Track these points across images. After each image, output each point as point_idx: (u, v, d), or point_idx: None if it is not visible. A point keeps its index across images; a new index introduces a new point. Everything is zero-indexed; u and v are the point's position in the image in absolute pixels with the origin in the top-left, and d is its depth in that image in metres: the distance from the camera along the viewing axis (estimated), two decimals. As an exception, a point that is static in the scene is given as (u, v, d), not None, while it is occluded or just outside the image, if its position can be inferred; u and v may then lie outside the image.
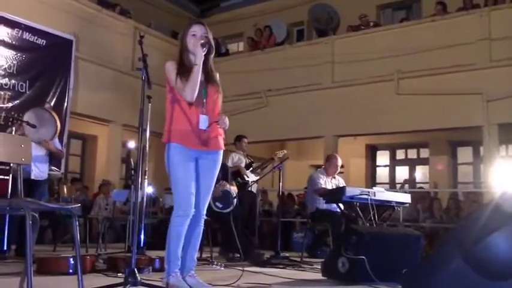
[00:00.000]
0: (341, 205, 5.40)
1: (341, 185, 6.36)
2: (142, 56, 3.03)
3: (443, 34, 8.96)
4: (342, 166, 6.95)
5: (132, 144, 7.53)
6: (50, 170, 6.49)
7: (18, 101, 7.76)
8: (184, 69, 3.16)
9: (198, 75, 3.13)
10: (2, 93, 7.63)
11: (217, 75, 3.34)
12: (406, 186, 10.74)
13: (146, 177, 5.65)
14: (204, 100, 3.23)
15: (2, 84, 7.64)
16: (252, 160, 7.25)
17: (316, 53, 10.22)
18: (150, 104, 4.78)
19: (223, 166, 6.16)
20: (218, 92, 3.32)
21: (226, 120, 3.22)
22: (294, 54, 10.52)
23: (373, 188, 5.47)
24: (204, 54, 3.16)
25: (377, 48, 9.47)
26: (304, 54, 10.33)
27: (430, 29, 9.24)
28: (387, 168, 12.55)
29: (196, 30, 3.26)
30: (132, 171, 6.41)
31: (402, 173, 12.31)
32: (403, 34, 9.53)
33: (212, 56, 3.29)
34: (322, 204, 6.08)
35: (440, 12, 9.56)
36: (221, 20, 13.68)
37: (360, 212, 5.06)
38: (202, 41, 3.16)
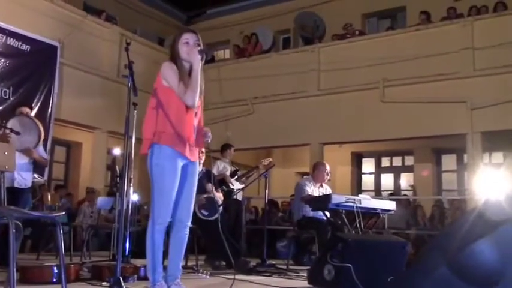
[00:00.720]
0: (327, 213, 5.40)
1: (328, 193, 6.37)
2: (129, 63, 3.03)
3: (427, 43, 9.07)
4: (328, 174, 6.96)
5: (117, 151, 7.49)
6: (33, 177, 6.42)
7: (1, 107, 7.68)
8: (181, 76, 3.16)
9: (198, 80, 3.14)
10: (-15, 99, 7.55)
11: (203, 86, 3.34)
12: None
13: (132, 184, 5.61)
14: (196, 109, 3.24)
15: (-15, 90, 7.56)
16: (237, 168, 7.26)
17: (302, 61, 10.27)
18: (135, 111, 4.76)
19: (209, 173, 6.16)
20: (202, 103, 3.34)
21: (210, 134, 3.31)
22: (280, 62, 10.57)
23: (359, 195, 5.49)
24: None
25: (362, 57, 9.55)
26: (290, 62, 10.38)
27: (415, 38, 9.35)
28: (372, 175, 12.63)
29: (189, 37, 3.26)
30: (118, 179, 6.36)
31: (387, 180, 12.39)
32: (388, 43, 9.63)
33: (202, 63, 3.27)
34: (309, 212, 6.08)
35: (424, 22, 9.69)
36: (207, 27, 13.70)
37: (345, 219, 5.06)
38: (200, 48, 3.18)
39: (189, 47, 3.22)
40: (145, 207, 8.78)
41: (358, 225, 4.98)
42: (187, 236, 3.30)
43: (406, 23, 11.38)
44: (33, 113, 7.56)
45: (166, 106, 3.14)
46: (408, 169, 12.01)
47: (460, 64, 8.75)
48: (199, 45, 3.24)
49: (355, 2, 12.06)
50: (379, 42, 9.78)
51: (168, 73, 3.16)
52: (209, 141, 3.32)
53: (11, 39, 7.92)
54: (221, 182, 6.73)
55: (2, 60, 7.80)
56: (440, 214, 9.06)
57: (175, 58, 3.24)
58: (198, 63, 3.16)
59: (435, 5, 10.33)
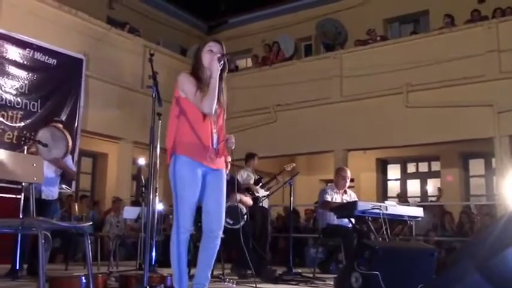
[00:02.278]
0: (353, 220, 5.35)
1: (353, 200, 6.31)
2: (153, 73, 3.05)
3: (451, 46, 8.96)
4: (352, 180, 6.90)
5: (142, 161, 7.55)
6: (61, 188, 6.52)
7: (30, 120, 7.83)
8: (200, 84, 3.16)
9: (216, 87, 3.13)
10: (15, 112, 7.71)
11: (225, 96, 3.33)
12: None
13: (157, 194, 5.65)
14: (215, 118, 3.24)
15: (14, 103, 7.72)
16: (260, 176, 7.24)
17: (325, 68, 10.25)
18: (160, 121, 4.81)
19: (233, 180, 6.16)
20: (224, 112, 3.33)
21: (233, 140, 3.28)
22: (303, 69, 10.55)
23: (385, 202, 5.42)
24: (219, 69, 3.17)
25: (385, 62, 9.48)
26: (313, 69, 10.36)
27: (438, 42, 9.24)
28: (398, 181, 12.47)
29: (212, 46, 3.27)
30: (143, 188, 6.42)
31: (413, 186, 12.23)
32: (411, 47, 9.53)
33: (225, 74, 3.27)
34: (334, 220, 6.02)
35: (448, 25, 9.57)
36: (229, 36, 13.78)
37: (372, 226, 5.01)
38: (219, 55, 3.18)
39: (212, 55, 3.23)
40: (171, 216, 8.84)
41: (384, 232, 4.93)
42: (218, 245, 3.26)
43: (429, 27, 11.26)
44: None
45: (188, 117, 3.15)
46: (435, 175, 11.84)
47: (485, 67, 8.61)
48: (222, 55, 3.24)
49: (376, 7, 11.98)
50: (402, 47, 9.69)
51: (184, 83, 3.16)
52: (233, 147, 3.31)
53: (38, 53, 8.09)
54: (246, 191, 6.72)
55: (30, 74, 7.97)
56: (469, 220, 8.88)
57: (198, 66, 3.25)
58: (216, 71, 3.15)
59: (459, 8, 10.21)
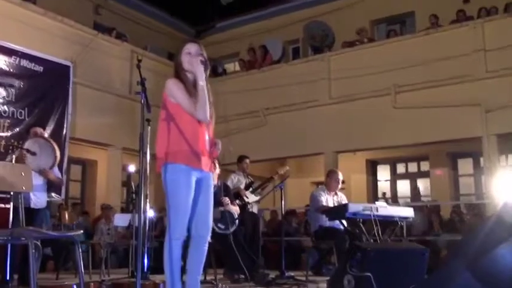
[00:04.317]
0: (344, 222, 5.36)
1: (343, 202, 6.33)
2: (141, 79, 3.05)
3: (438, 47, 9.02)
4: (343, 182, 6.92)
5: (132, 167, 7.52)
6: (50, 196, 6.46)
7: (17, 129, 7.75)
8: (189, 89, 3.15)
9: (205, 93, 3.13)
10: (2, 121, 7.63)
11: (211, 96, 3.33)
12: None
13: (148, 200, 5.63)
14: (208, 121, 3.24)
15: (1, 112, 7.65)
16: (252, 180, 7.23)
17: (313, 70, 10.28)
18: (149, 127, 4.79)
19: (225, 186, 6.16)
20: (213, 114, 3.32)
21: (220, 146, 3.30)
22: (291, 72, 10.57)
23: (376, 203, 5.44)
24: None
25: (373, 63, 9.52)
26: (301, 72, 10.38)
27: (425, 42, 9.31)
28: (388, 182, 12.53)
29: (190, 47, 3.27)
30: (133, 195, 6.39)
31: (403, 187, 12.30)
32: (398, 48, 9.59)
33: (207, 74, 3.24)
34: (325, 222, 6.03)
35: (434, 26, 9.65)
36: (217, 40, 13.79)
37: (363, 228, 5.02)
38: (202, 59, 3.17)
39: (191, 57, 3.22)
40: (163, 218, 8.78)
41: (376, 234, 4.94)
42: (206, 250, 3.28)
43: (415, 28, 11.34)
44: (48, 133, 7.69)
45: (178, 121, 3.13)
46: (424, 175, 11.91)
47: (472, 66, 8.69)
48: (201, 55, 3.22)
49: (363, 9, 12.04)
50: (389, 48, 9.75)
51: (175, 91, 3.14)
52: (218, 152, 3.31)
53: (24, 60, 8.02)
54: (236, 196, 6.72)
55: (17, 82, 7.90)
56: (459, 219, 8.94)
57: (179, 70, 3.24)
58: (201, 75, 3.14)
59: (444, 8, 10.29)
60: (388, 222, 5.30)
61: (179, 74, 3.24)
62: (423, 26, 10.39)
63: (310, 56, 11.78)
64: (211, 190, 3.30)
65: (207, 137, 3.24)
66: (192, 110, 3.12)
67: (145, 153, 4.93)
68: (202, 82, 3.13)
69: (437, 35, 9.27)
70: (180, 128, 3.13)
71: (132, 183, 6.79)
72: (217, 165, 3.44)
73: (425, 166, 11.90)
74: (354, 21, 11.62)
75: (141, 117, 3.11)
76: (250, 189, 7.11)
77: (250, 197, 7.02)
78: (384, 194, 11.90)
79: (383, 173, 12.66)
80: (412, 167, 12.33)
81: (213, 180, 3.54)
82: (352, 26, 11.34)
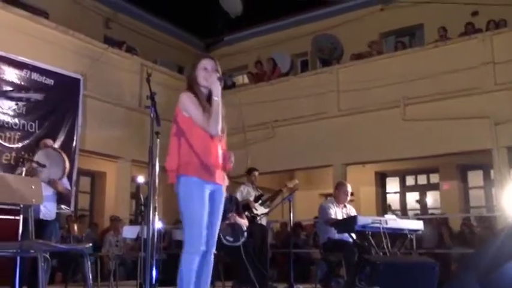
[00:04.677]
0: (353, 235, 5.34)
1: (352, 214, 6.29)
2: (151, 93, 3.07)
3: (447, 59, 9.01)
4: (352, 194, 6.90)
5: (141, 179, 7.52)
6: (60, 208, 6.48)
7: (27, 141, 7.81)
8: (203, 104, 3.18)
9: (219, 109, 3.15)
10: (12, 133, 7.69)
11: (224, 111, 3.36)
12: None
13: (156, 212, 5.63)
14: (220, 135, 3.26)
15: (11, 124, 7.72)
16: (261, 193, 7.23)
17: (321, 83, 10.29)
18: (158, 140, 4.81)
19: (234, 199, 6.16)
20: (225, 128, 3.34)
21: (233, 158, 3.34)
22: (299, 85, 10.59)
23: (385, 215, 5.42)
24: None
25: (381, 76, 9.52)
26: (310, 84, 10.40)
27: (434, 55, 9.30)
28: (397, 194, 12.47)
29: (207, 63, 3.29)
30: (142, 207, 6.40)
31: (413, 199, 12.23)
32: (407, 60, 9.59)
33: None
34: (334, 234, 6.00)
35: (442, 38, 9.65)
36: (226, 53, 13.87)
37: (372, 241, 5.00)
38: (219, 75, 3.20)
39: (207, 72, 3.24)
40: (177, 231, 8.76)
41: (385, 247, 4.92)
42: (212, 262, 3.27)
43: (424, 41, 11.35)
44: (58, 145, 7.75)
45: (189, 135, 3.15)
46: (434, 187, 11.84)
47: (481, 79, 8.66)
48: (217, 71, 3.26)
49: (372, 21, 12.08)
50: (398, 61, 9.75)
51: (188, 105, 3.17)
52: (231, 165, 3.33)
53: (35, 73, 8.10)
54: (245, 208, 6.71)
55: (27, 95, 7.97)
56: (469, 232, 8.86)
57: (193, 84, 3.27)
58: (218, 91, 3.17)
59: (453, 21, 10.30)
60: (397, 235, 5.28)
61: (193, 88, 3.26)
62: (432, 38, 10.40)
63: (318, 68, 11.80)
64: (222, 204, 3.31)
65: (220, 151, 3.25)
66: (204, 125, 3.14)
67: (154, 165, 4.95)
68: (217, 98, 3.16)
69: (446, 48, 9.26)
70: (190, 142, 3.14)
71: (141, 195, 6.80)
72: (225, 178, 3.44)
73: (434, 178, 11.83)
74: (363, 34, 11.65)
75: (150, 131, 3.13)
76: (260, 201, 7.10)
77: (260, 209, 7.02)
78: (389, 206, 11.79)
79: (392, 185, 12.59)
80: (422, 179, 12.26)
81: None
82: (361, 38, 11.38)
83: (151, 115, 3.08)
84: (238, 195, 6.77)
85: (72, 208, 8.54)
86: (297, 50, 13.11)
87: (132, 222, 9.57)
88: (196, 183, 3.12)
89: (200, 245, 3.11)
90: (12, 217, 4.32)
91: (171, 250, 8.45)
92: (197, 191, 3.12)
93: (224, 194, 3.32)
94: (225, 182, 3.31)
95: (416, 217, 8.90)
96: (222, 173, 3.26)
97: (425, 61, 9.29)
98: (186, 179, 3.12)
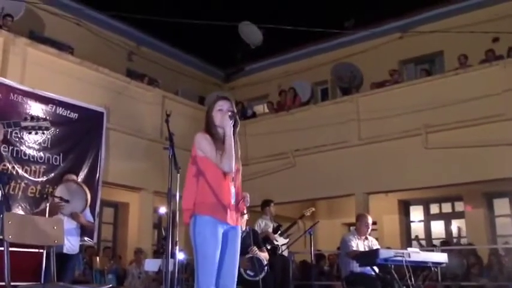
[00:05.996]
0: (375, 268, 5.27)
1: (374, 247, 6.21)
2: (169, 135, 3.13)
3: (467, 86, 8.96)
4: (375, 223, 6.82)
5: (163, 209, 7.58)
6: (83, 240, 6.54)
7: (52, 174, 7.94)
8: (217, 143, 3.24)
9: (232, 146, 3.20)
10: (38, 167, 7.84)
11: (239, 150, 3.39)
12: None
13: (177, 244, 5.65)
14: (234, 174, 3.29)
15: (37, 158, 7.87)
16: (279, 224, 7.21)
17: (342, 111, 10.30)
18: (178, 175, 4.85)
19: (253, 232, 6.14)
20: (240, 167, 3.39)
21: (248, 198, 3.35)
22: (320, 114, 10.63)
23: (408, 248, 5.35)
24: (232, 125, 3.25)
25: (402, 104, 9.49)
26: (330, 113, 10.42)
27: (454, 82, 9.26)
28: (422, 223, 12.25)
29: (222, 104, 3.36)
30: (164, 240, 6.43)
31: (438, 228, 12.00)
32: (428, 88, 9.55)
33: (237, 130, 3.34)
34: (356, 267, 5.92)
35: (463, 65, 9.61)
36: (246, 83, 14.04)
37: (395, 274, 4.93)
38: (230, 113, 3.26)
39: (223, 113, 3.31)
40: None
41: (408, 280, 4.84)
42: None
43: (444, 68, 11.30)
44: (81, 177, 7.87)
45: (206, 176, 3.20)
46: (459, 215, 11.61)
47: (503, 106, 8.56)
48: (232, 111, 3.32)
49: (391, 49, 12.10)
50: (418, 88, 9.71)
51: (203, 145, 3.23)
52: (247, 205, 3.36)
53: (60, 108, 8.28)
54: (265, 240, 6.69)
55: (52, 129, 8.10)
56: (497, 261, 8.64)
57: (210, 125, 3.33)
58: (229, 128, 3.23)
59: (473, 48, 10.25)
60: (421, 268, 5.20)
61: (210, 128, 3.33)
62: (452, 65, 10.36)
63: (338, 97, 11.83)
64: (238, 242, 3.31)
65: (232, 190, 3.28)
66: (217, 161, 3.19)
67: (174, 196, 4.99)
68: (229, 134, 3.21)
69: (467, 75, 9.21)
70: (208, 181, 3.19)
71: (163, 228, 6.85)
72: (245, 212, 3.46)
73: (459, 206, 11.62)
74: (382, 62, 11.67)
75: (168, 172, 3.17)
76: (279, 232, 7.08)
77: (280, 240, 6.99)
78: (417, 236, 11.59)
79: (416, 214, 12.39)
80: (446, 208, 12.04)
81: (242, 227, 3.56)
82: (380, 66, 11.39)
83: (169, 156, 3.13)
84: (257, 228, 6.77)
85: (95, 240, 8.61)
86: (316, 78, 13.17)
87: (155, 253, 9.60)
88: (210, 222, 3.15)
89: (212, 283, 3.12)
90: (36, 250, 4.39)
91: (192, 281, 8.43)
92: (210, 230, 3.15)
93: (240, 234, 3.33)
94: (240, 223, 3.32)
95: (441, 248, 8.70)
96: (235, 214, 3.27)
97: (446, 88, 9.24)
98: (200, 218, 3.17)
